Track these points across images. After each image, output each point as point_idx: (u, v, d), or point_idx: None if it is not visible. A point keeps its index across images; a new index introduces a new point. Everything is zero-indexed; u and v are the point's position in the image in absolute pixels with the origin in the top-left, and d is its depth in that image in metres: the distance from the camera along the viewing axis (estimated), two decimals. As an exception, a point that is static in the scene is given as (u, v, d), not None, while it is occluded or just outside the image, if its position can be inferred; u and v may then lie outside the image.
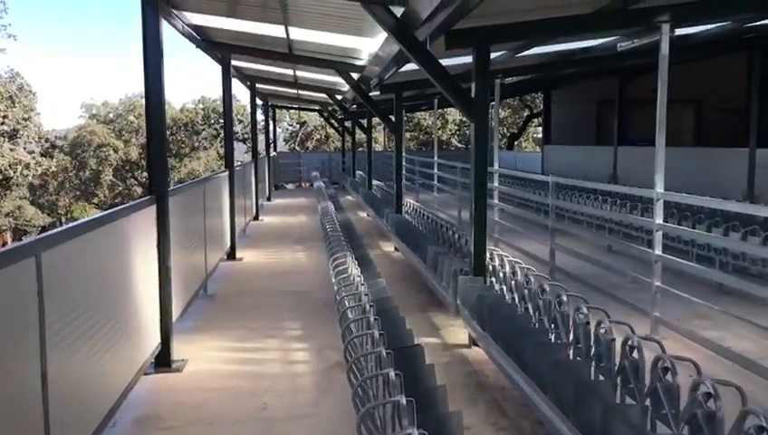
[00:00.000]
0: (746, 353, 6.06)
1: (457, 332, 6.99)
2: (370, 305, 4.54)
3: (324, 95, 18.75)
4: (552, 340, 4.75)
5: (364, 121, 19.18)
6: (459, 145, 46.29)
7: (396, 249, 11.67)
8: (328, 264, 7.63)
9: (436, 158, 17.37)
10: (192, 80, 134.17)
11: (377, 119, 15.91)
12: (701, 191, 11.57)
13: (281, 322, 7.60)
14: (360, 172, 23.69)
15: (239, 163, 16.53)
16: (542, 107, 33.46)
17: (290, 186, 30.49)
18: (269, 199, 22.46)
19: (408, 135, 48.08)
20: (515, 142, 32.59)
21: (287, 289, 9.25)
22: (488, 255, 6.49)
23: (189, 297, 7.68)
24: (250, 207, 16.10)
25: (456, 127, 47.28)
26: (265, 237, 14.13)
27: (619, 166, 18.31)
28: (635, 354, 3.70)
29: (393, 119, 11.99)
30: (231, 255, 11.35)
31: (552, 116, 23.78)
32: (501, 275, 6.11)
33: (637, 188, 8.58)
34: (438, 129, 47.40)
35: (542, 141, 24.40)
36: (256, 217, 16.89)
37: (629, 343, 3.73)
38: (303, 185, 29.79)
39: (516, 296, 5.61)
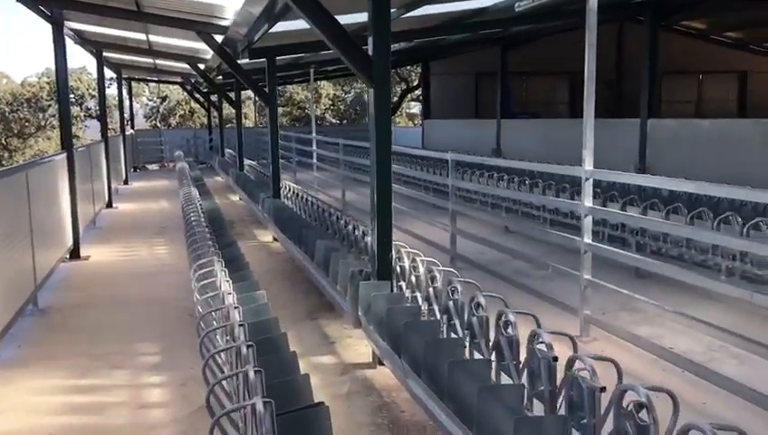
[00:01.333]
0: (690, 354, 5.28)
1: (357, 346, 5.73)
2: (248, 346, 3.15)
3: (185, 65, 16.74)
4: (493, 375, 3.58)
5: (232, 95, 17.41)
6: (333, 121, 44.92)
7: (275, 239, 10.22)
8: (190, 267, 6.14)
9: (314, 134, 15.95)
10: (36, 50, 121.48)
11: (247, 92, 14.28)
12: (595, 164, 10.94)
13: (133, 343, 6.00)
14: (230, 151, 21.81)
15: (88, 141, 14.35)
16: (417, 81, 32.72)
17: (152, 166, 27.91)
18: (126, 183, 20.14)
19: (280, 110, 45.98)
20: (392, 117, 31.73)
21: (143, 296, 7.59)
22: (395, 252, 5.23)
23: (8, 319, 5.93)
24: (101, 192, 14.02)
25: (330, 102, 45.81)
26: (120, 229, 12.19)
27: (503, 139, 17.68)
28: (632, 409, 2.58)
29: (266, 89, 10.42)
30: (74, 253, 9.47)
31: (432, 89, 22.92)
32: (413, 279, 4.87)
33: (564, 166, 7.57)
34: (312, 103, 45.79)
35: (421, 116, 23.53)
36: (110, 205, 14.79)
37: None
38: (167, 165, 27.32)
39: (437, 309, 4.40)
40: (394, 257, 5.18)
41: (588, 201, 5.65)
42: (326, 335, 6.09)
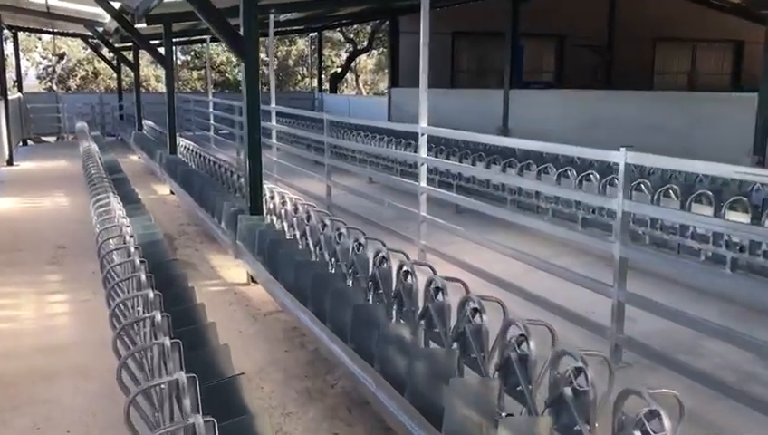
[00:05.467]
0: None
1: None
2: None
3: (92, 7, 12.16)
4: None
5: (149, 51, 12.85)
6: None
7: (250, 279, 6.17)
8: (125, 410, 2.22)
9: (273, 103, 11.74)
10: None
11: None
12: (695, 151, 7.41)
13: None
14: (149, 122, 17.20)
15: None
16: (366, 42, 28.58)
17: (49, 139, 22.69)
18: (11, 163, 15.26)
19: (194, 74, 41.04)
20: (338, 84, 27.25)
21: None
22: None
23: None
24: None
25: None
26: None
27: (512, 115, 13.95)
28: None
29: (241, 31, 6.22)
30: None
31: (401, 51, 18.89)
32: None
33: None
34: (234, 66, 40.68)
35: (388, 84, 19.52)
36: (-20, 202, 10.20)
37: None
38: (67, 138, 22.20)
39: None
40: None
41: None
42: None
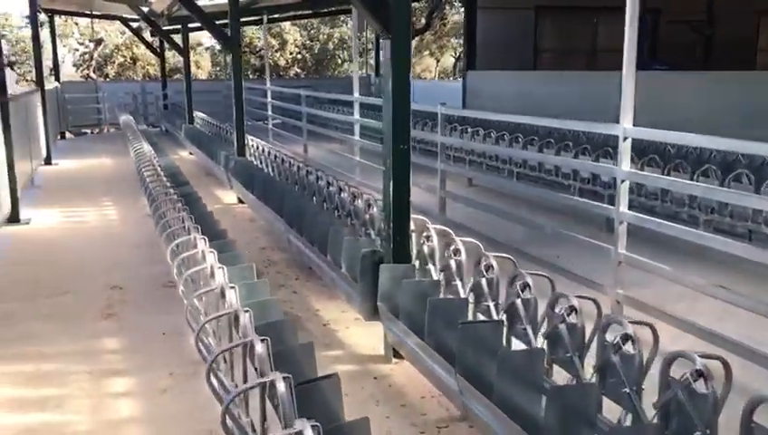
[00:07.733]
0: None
1: None
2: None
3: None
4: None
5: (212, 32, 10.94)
6: (297, 71, 38.23)
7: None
8: None
9: (357, 94, 9.73)
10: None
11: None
12: None
13: None
14: (201, 114, 15.33)
15: None
16: (425, 22, 26.39)
17: (88, 130, 21.01)
18: (49, 162, 13.54)
19: (228, 59, 39.23)
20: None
21: None
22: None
23: None
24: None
25: (296, 49, 38.97)
26: (19, 287, 5.88)
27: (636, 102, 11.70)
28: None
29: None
30: None
31: (479, 29, 16.72)
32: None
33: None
34: (275, 51, 38.77)
35: (463, 66, 17.38)
36: (14, 219, 8.38)
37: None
38: (108, 130, 20.50)
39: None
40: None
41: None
42: None
